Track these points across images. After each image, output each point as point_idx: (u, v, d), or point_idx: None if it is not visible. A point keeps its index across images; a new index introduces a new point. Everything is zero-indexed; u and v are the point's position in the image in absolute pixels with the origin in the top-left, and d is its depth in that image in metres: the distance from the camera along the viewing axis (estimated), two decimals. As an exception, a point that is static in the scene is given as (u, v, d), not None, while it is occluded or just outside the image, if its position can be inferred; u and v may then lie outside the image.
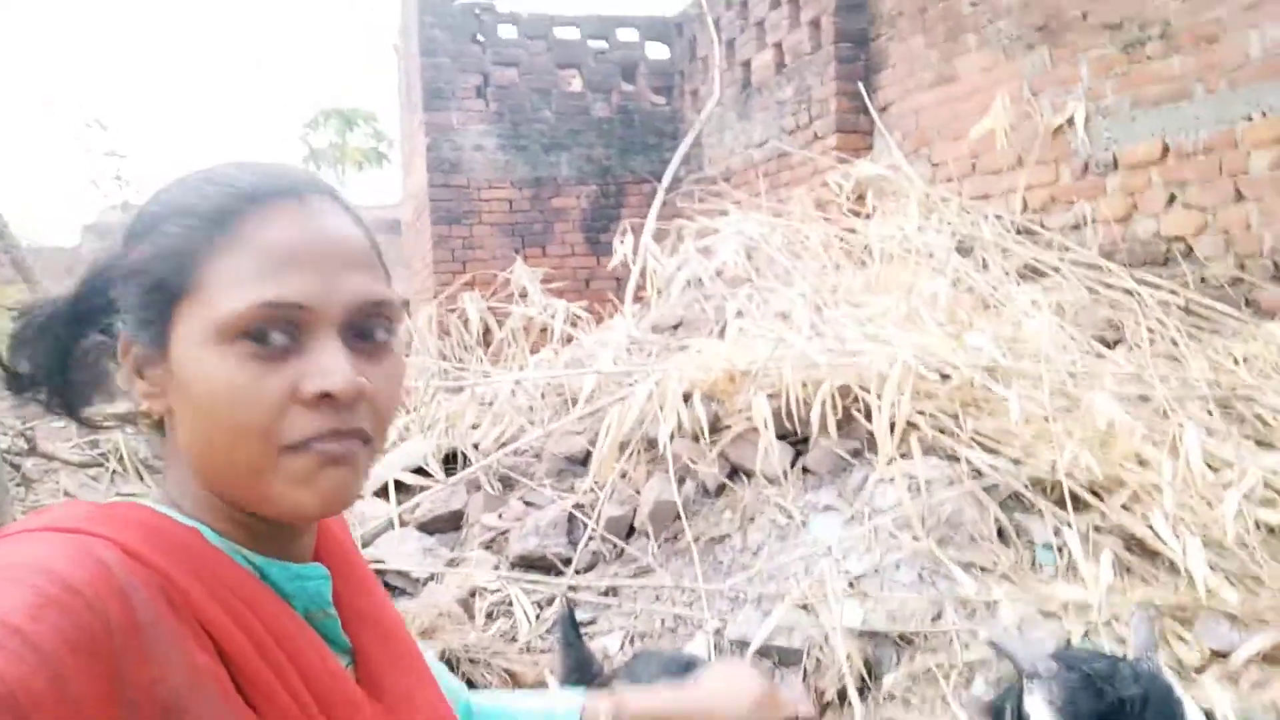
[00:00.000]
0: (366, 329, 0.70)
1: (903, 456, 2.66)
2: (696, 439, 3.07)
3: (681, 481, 2.99)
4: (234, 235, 0.67)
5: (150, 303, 0.69)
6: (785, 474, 2.89)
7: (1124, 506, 2.53)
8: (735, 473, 3.03)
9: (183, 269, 0.68)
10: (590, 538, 2.97)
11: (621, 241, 4.22)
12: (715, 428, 3.05)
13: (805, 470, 2.96)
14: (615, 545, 3.00)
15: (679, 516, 2.92)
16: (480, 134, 7.68)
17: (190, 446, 0.69)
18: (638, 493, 3.09)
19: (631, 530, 3.03)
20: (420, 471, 3.55)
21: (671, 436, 2.92)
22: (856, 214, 4.31)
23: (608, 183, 7.90)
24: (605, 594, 2.82)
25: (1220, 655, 2.16)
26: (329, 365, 0.66)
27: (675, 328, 3.83)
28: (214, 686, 0.61)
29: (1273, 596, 2.24)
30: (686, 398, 2.98)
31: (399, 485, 3.49)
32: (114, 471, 3.72)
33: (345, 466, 0.68)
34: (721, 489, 3.02)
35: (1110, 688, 0.78)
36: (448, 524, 3.40)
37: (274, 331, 0.66)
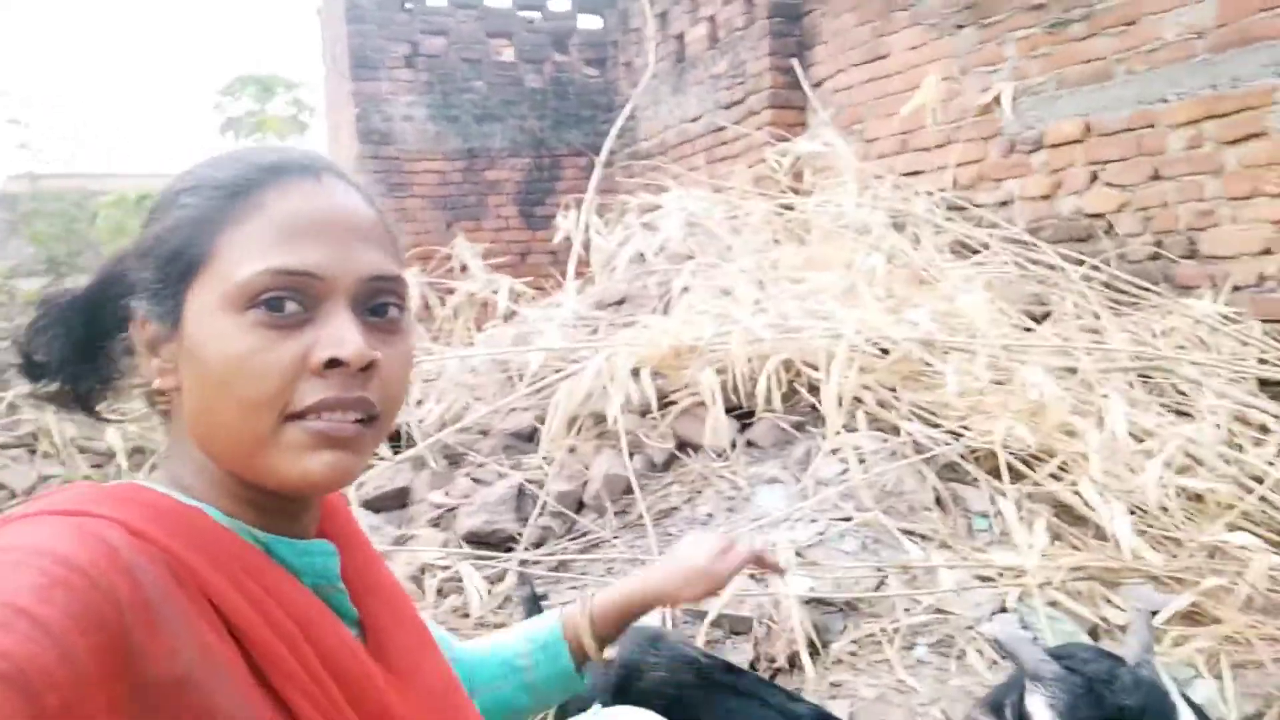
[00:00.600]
0: (379, 306, 0.72)
1: (846, 429, 2.74)
2: (644, 414, 3.11)
3: (630, 456, 3.02)
4: (251, 206, 0.68)
5: (166, 276, 0.69)
6: (732, 447, 2.95)
7: (1053, 475, 2.66)
8: (682, 446, 3.08)
9: (199, 239, 0.68)
10: (540, 513, 2.99)
11: (564, 216, 4.21)
12: (662, 403, 3.10)
13: (750, 444, 3.02)
14: (565, 520, 3.03)
15: (629, 490, 2.96)
16: (410, 104, 7.53)
17: (198, 418, 0.69)
18: (586, 468, 3.12)
19: (581, 505, 3.06)
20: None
21: (620, 411, 2.95)
22: (795, 191, 4.37)
23: (542, 155, 7.83)
24: (556, 569, 2.85)
25: (1144, 614, 2.29)
26: (340, 334, 0.67)
27: (619, 303, 3.85)
28: (224, 662, 0.61)
29: (1191, 558, 2.39)
30: (635, 373, 3.01)
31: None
32: (43, 453, 3.59)
33: (346, 449, 0.69)
34: (669, 463, 3.07)
35: (1110, 693, 0.82)
36: (393, 501, 3.38)
37: (287, 300, 0.67)
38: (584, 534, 2.94)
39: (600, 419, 3.07)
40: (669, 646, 1.35)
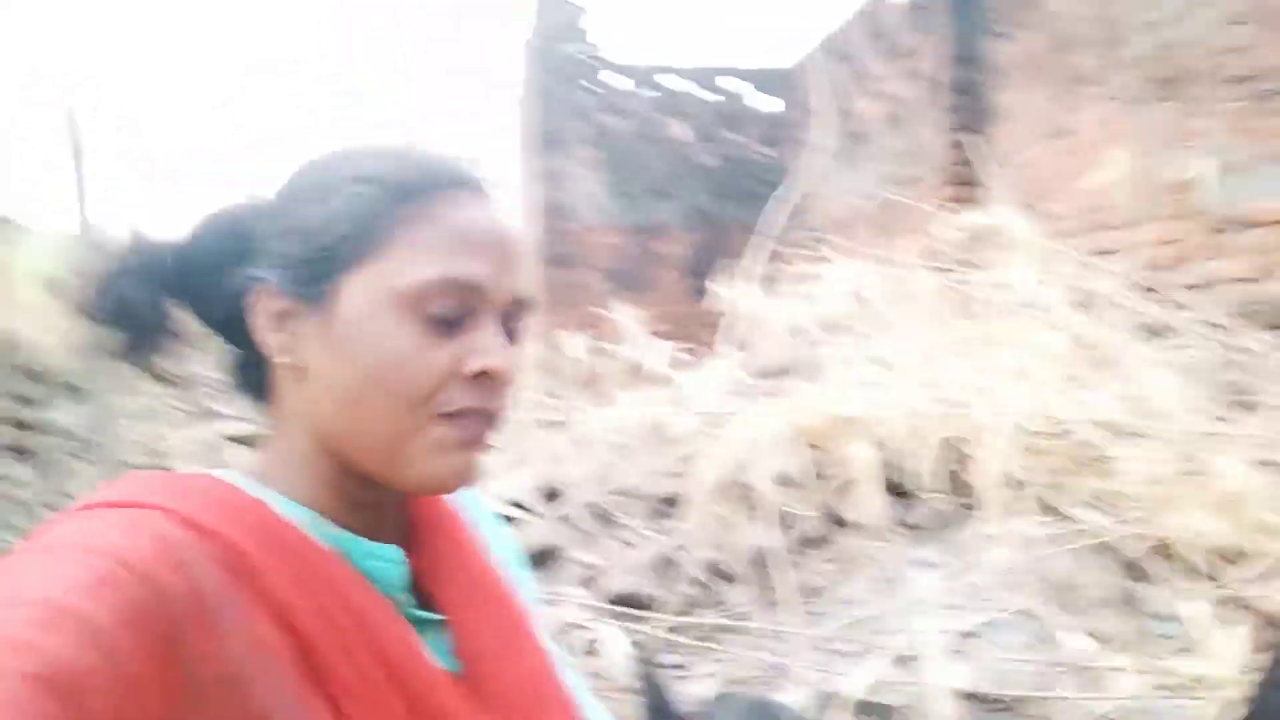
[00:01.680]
0: (513, 321, 0.74)
1: (1013, 516, 2.56)
2: (796, 485, 3.03)
3: (780, 528, 2.94)
4: (424, 211, 0.70)
5: (319, 259, 0.70)
6: (888, 527, 2.82)
7: (1251, 580, 2.38)
8: (836, 523, 2.97)
9: (366, 232, 0.70)
10: (686, 581, 2.94)
11: (722, 284, 4.23)
12: (817, 476, 3.01)
13: (907, 525, 2.88)
14: (710, 589, 2.96)
15: (777, 564, 2.87)
16: (590, 180, 7.86)
17: (335, 406, 0.70)
18: (735, 539, 3.06)
19: (727, 576, 2.99)
20: (517, 505, 3.59)
21: (772, 481, 2.89)
22: (968, 266, 4.22)
23: (711, 229, 7.96)
24: (699, 639, 2.78)
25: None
26: (492, 345, 0.70)
27: (775, 373, 3.80)
28: (278, 660, 0.61)
29: None
30: (788, 443, 2.95)
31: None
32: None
33: (477, 450, 0.71)
34: (821, 539, 2.96)
35: None
36: (541, 558, 3.42)
37: (450, 309, 0.69)
38: (729, 606, 2.87)
39: (750, 488, 3.01)
40: (781, 716, 1.27)
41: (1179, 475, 2.48)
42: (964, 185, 5.55)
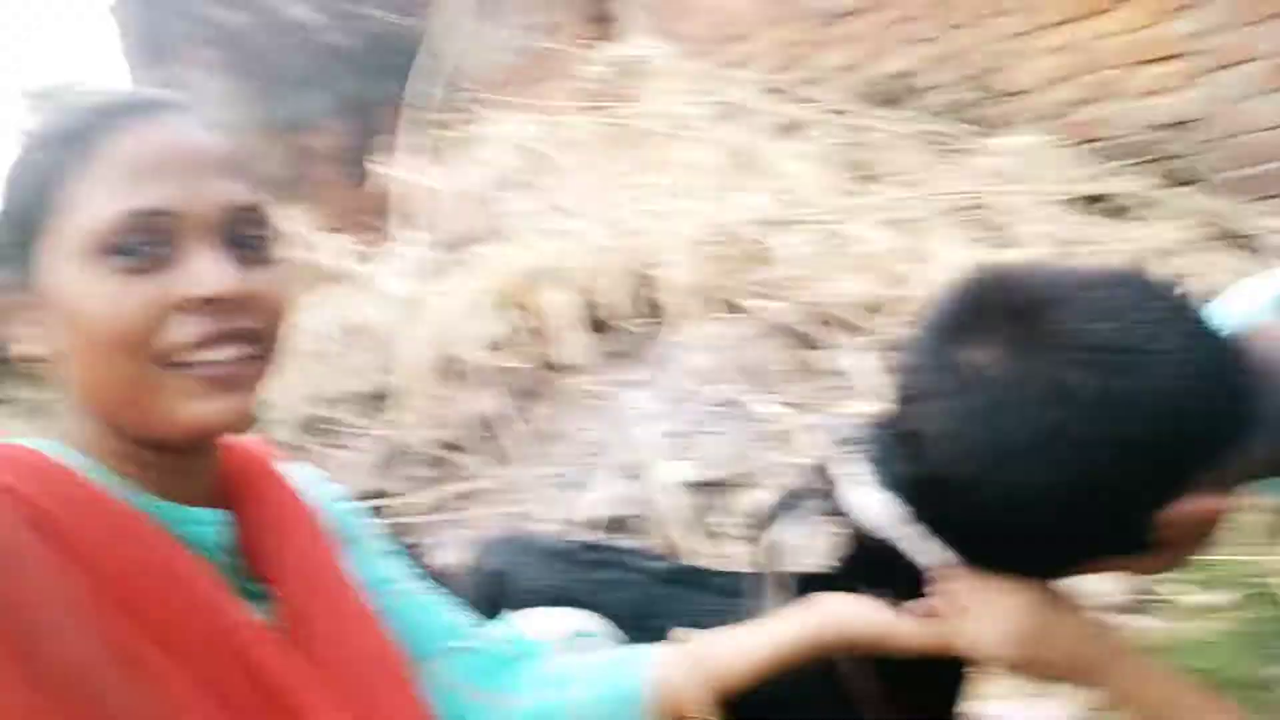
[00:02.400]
0: (245, 238, 0.69)
1: (701, 320, 2.78)
2: (505, 345, 3.09)
3: (492, 389, 3.01)
4: (90, 154, 0.65)
5: (13, 239, 0.67)
6: (591, 362, 2.97)
7: (886, 322, 2.76)
8: (550, 370, 3.08)
9: (40, 196, 0.66)
10: (420, 464, 2.95)
11: (381, 165, 4.09)
12: (523, 331, 3.08)
13: (611, 355, 3.04)
14: (445, 465, 3.00)
15: (502, 423, 2.95)
16: (213, 83, 7.12)
17: (73, 376, 0.67)
18: (456, 411, 3.09)
19: (458, 448, 3.04)
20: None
21: (481, 348, 2.92)
22: (620, 100, 4.35)
23: (362, 113, 7.54)
24: (442, 512, 2.83)
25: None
26: (206, 269, 0.65)
27: (460, 243, 3.78)
28: (86, 612, 0.61)
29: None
30: (488, 307, 2.98)
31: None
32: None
33: (237, 390, 0.68)
34: (534, 390, 3.07)
35: None
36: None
37: (143, 243, 0.65)
38: (457, 474, 2.92)
39: (456, 359, 3.03)
40: (536, 545, 1.36)
41: (825, 250, 2.80)
42: (603, 22, 5.63)
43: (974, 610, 0.84)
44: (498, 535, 1.85)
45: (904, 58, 4.07)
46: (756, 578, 1.10)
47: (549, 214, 3.39)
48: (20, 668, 0.57)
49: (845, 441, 0.98)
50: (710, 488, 2.49)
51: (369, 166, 7.25)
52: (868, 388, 2.59)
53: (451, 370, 3.06)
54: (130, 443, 0.69)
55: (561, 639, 1.07)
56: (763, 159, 3.60)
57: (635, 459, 2.55)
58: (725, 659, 0.89)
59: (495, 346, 3.05)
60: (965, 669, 0.99)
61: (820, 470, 0.98)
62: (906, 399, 0.84)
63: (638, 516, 2.39)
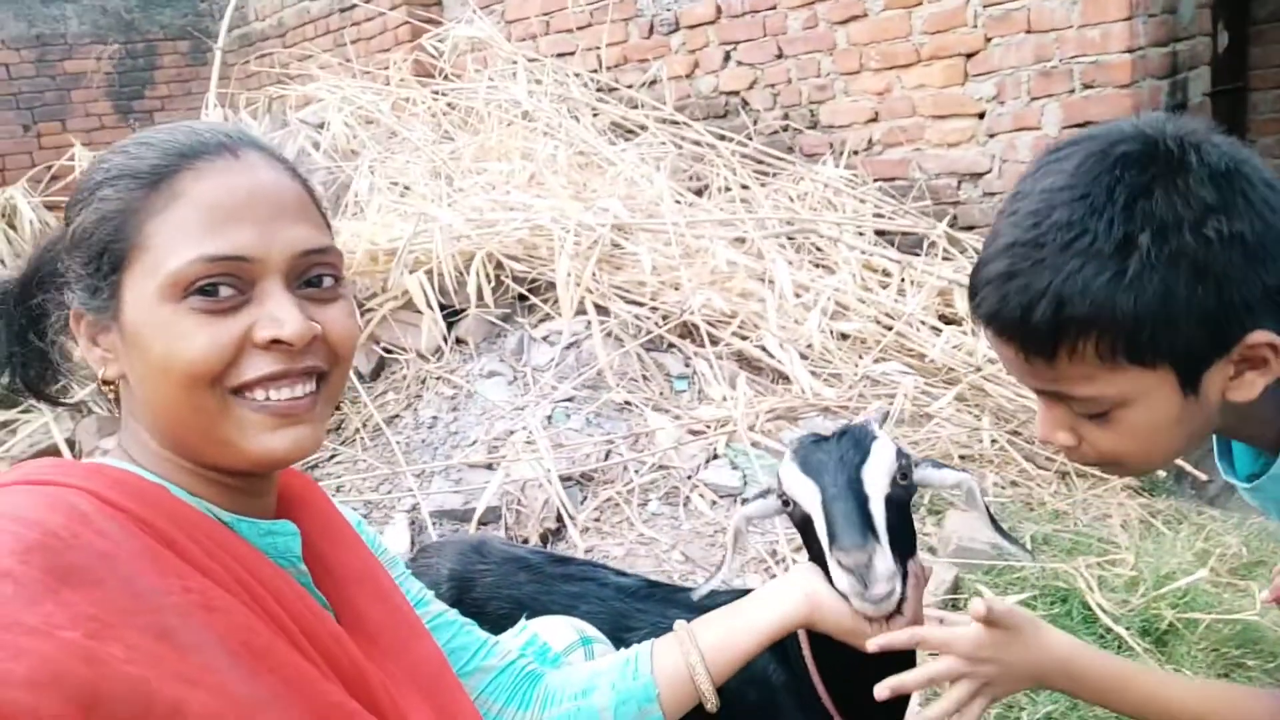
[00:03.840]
0: (313, 277, 0.74)
1: (562, 317, 2.86)
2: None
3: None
4: (170, 194, 0.69)
5: (96, 270, 0.70)
6: (443, 347, 2.96)
7: (737, 335, 3.00)
8: (388, 353, 3.03)
9: (123, 232, 0.69)
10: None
11: (206, 116, 3.78)
12: (361, 310, 3.00)
13: (460, 341, 3.05)
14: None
15: (339, 405, 2.87)
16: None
17: (150, 405, 0.71)
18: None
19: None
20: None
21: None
22: (457, 78, 4.28)
23: (133, 40, 6.81)
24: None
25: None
26: (279, 313, 0.70)
27: (285, 208, 3.59)
28: (203, 611, 0.64)
29: (852, 388, 2.85)
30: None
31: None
32: None
33: (303, 423, 0.73)
34: (378, 371, 3.01)
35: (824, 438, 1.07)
36: (52, 457, 2.98)
37: (221, 285, 0.69)
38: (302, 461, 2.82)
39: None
40: (495, 551, 1.40)
41: (679, 260, 2.97)
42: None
43: None
44: (447, 539, 1.86)
45: (732, 78, 4.33)
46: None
47: (392, 190, 3.32)
48: (170, 649, 0.60)
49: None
50: (565, 481, 2.59)
51: (150, 109, 6.59)
52: (711, 394, 2.80)
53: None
54: (199, 465, 0.73)
55: (568, 646, 1.16)
56: (604, 160, 3.72)
57: (495, 451, 2.60)
58: (721, 645, 1.01)
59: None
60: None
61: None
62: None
63: (504, 507, 2.45)
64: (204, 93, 4.09)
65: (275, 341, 0.69)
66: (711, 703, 0.99)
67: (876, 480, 1.02)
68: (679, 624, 1.06)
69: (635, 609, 1.30)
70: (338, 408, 2.91)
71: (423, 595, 0.99)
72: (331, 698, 0.68)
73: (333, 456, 2.80)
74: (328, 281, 0.75)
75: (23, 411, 2.97)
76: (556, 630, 1.17)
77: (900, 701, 1.15)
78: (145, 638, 0.59)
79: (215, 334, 0.68)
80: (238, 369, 0.69)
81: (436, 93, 4.08)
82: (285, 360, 0.70)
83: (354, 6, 5.65)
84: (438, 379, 2.90)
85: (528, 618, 1.23)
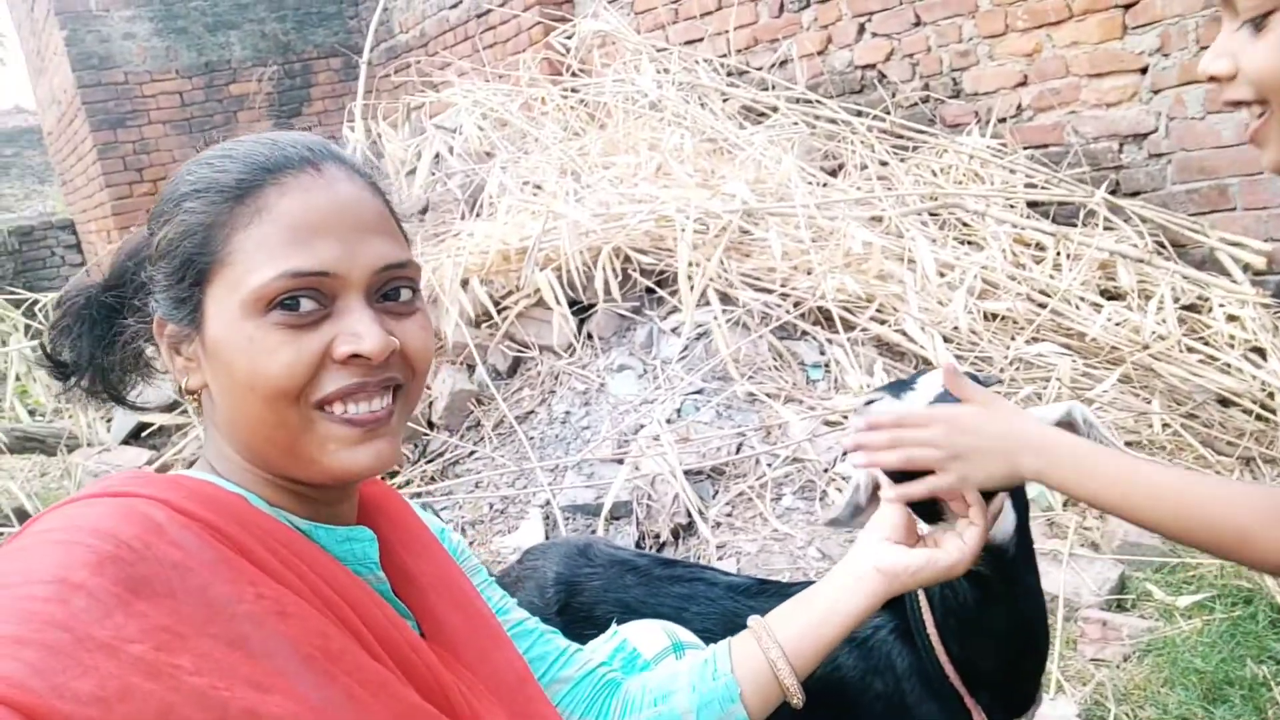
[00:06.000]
0: (391, 291, 0.74)
1: (689, 308, 2.81)
2: (478, 324, 3.05)
3: (472, 369, 2.97)
4: (255, 208, 0.69)
5: (180, 281, 0.70)
6: (574, 343, 2.97)
7: (875, 319, 2.86)
8: (524, 350, 3.06)
9: (208, 245, 0.69)
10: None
11: (351, 128, 3.93)
12: (496, 309, 3.05)
13: (590, 336, 3.05)
14: (417, 445, 2.96)
15: (479, 402, 2.93)
16: (128, 19, 6.67)
17: (231, 418, 0.72)
18: (428, 389, 3.05)
19: (431, 426, 3.00)
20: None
21: (454, 325, 2.88)
22: (583, 73, 4.29)
23: (290, 60, 7.21)
24: (417, 496, 2.80)
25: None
26: (359, 329, 0.70)
27: (423, 212, 3.69)
28: (277, 618, 0.64)
29: (1003, 372, 2.67)
30: (464, 284, 2.93)
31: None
32: None
33: (381, 437, 0.73)
34: (514, 368, 3.05)
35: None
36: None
37: (303, 299, 0.69)
38: (441, 454, 2.89)
39: (435, 336, 2.98)
40: (601, 554, 1.37)
41: (811, 244, 2.85)
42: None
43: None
44: (552, 541, 1.86)
45: (868, 50, 4.15)
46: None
47: (523, 190, 3.35)
48: (243, 656, 0.60)
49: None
50: (695, 475, 2.54)
51: (308, 126, 6.97)
52: (846, 382, 2.68)
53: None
54: (279, 476, 0.74)
55: (659, 653, 1.11)
56: (732, 146, 3.63)
57: (625, 445, 2.58)
58: (800, 636, 0.95)
59: (474, 323, 3.01)
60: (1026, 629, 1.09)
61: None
62: None
63: (635, 502, 2.43)
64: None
65: (355, 356, 0.69)
66: (797, 698, 0.93)
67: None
68: (753, 619, 1.00)
69: (748, 607, 1.24)
70: (477, 403, 2.97)
71: (504, 603, 0.97)
72: (411, 699, 0.68)
73: (471, 453, 2.85)
74: (405, 294, 0.74)
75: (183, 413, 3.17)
76: (648, 635, 1.12)
77: (1030, 681, 1.12)
78: (217, 646, 0.59)
79: (299, 350, 0.68)
80: (318, 384, 0.69)
81: (565, 90, 4.10)
82: (364, 374, 0.70)
83: (489, 11, 5.77)
84: (570, 375, 2.91)
85: (618, 622, 1.19)
